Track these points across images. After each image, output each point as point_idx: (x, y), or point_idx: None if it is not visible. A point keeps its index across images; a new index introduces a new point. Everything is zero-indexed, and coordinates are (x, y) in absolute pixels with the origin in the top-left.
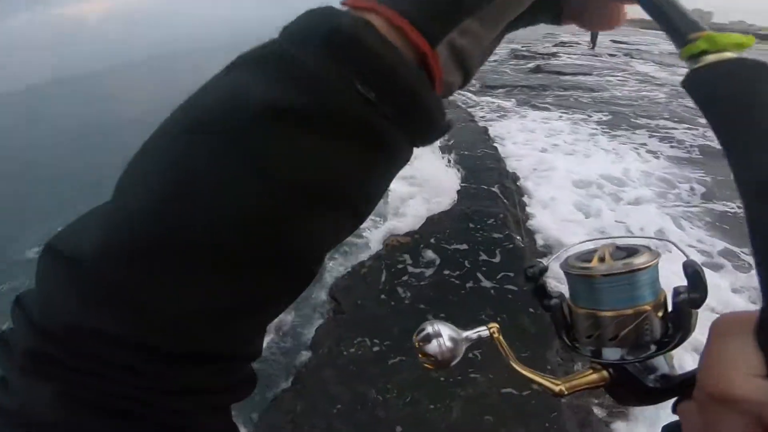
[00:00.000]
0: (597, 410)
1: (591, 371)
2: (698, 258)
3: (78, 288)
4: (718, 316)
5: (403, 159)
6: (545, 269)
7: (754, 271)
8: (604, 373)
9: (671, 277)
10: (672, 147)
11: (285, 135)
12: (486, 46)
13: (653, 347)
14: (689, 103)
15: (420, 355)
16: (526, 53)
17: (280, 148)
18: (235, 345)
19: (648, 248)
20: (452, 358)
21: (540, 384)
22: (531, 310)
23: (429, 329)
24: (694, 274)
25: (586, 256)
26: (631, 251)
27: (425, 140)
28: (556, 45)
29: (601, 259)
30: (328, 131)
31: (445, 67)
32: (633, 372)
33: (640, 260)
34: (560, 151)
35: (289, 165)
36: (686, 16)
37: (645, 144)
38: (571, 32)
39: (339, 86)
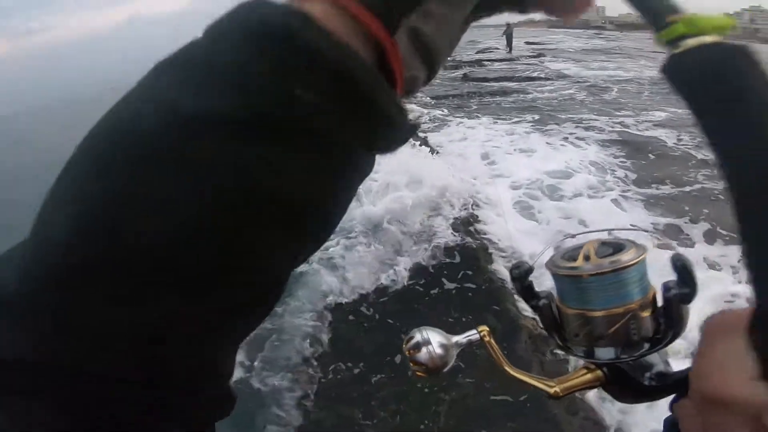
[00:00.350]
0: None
1: (585, 371)
2: (649, 238)
3: (7, 321)
4: (710, 315)
5: (363, 170)
6: (531, 269)
7: (699, 245)
8: (599, 372)
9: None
10: (600, 135)
11: (220, 147)
12: (452, 35)
13: (646, 345)
14: (606, 96)
15: (411, 364)
16: (451, 62)
17: (214, 160)
18: (194, 366)
19: (633, 243)
20: (444, 365)
21: (535, 386)
22: (495, 307)
23: (418, 337)
24: (682, 268)
25: (572, 254)
26: (617, 247)
27: (387, 147)
28: (478, 52)
29: (587, 257)
30: (267, 141)
31: (407, 58)
32: (627, 370)
33: (627, 257)
34: (501, 152)
35: (226, 177)
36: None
37: (574, 133)
38: (491, 38)
39: (272, 91)
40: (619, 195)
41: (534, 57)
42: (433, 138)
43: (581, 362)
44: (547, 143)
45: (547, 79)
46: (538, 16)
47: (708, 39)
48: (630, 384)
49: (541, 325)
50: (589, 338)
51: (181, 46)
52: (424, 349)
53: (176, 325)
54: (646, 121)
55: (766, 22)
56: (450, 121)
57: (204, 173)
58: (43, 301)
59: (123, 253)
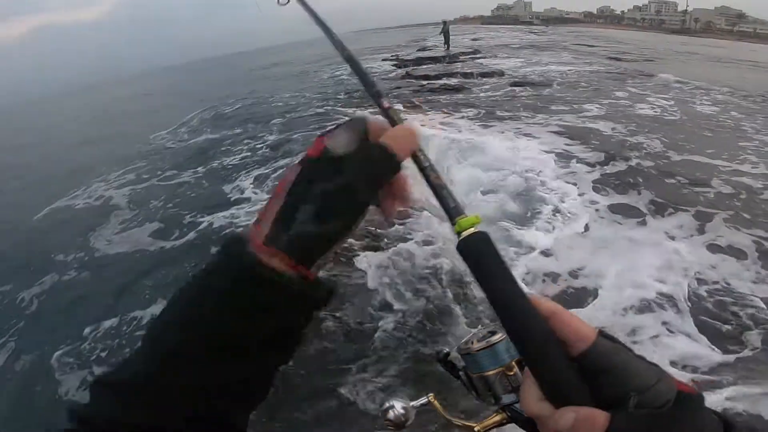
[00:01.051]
0: None
1: (495, 413)
2: (604, 214)
3: (121, 400)
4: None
5: (310, 321)
6: (448, 353)
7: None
8: (504, 414)
9: None
10: (547, 130)
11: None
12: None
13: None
14: (539, 92)
15: (384, 422)
16: (393, 60)
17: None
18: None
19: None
20: (406, 421)
21: (464, 426)
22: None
23: (386, 404)
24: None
25: (467, 340)
26: (493, 332)
27: (317, 310)
28: (418, 50)
29: (474, 341)
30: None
31: (314, 273)
32: (521, 410)
33: (495, 337)
34: (457, 147)
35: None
36: (453, 203)
37: (519, 128)
38: (430, 35)
39: (264, 312)
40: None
41: (470, 53)
42: None
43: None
44: (505, 132)
45: (484, 75)
46: (472, 13)
47: (468, 232)
48: (524, 421)
49: (466, 388)
50: (493, 391)
51: (196, 276)
52: (390, 412)
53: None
54: (583, 116)
55: (670, 14)
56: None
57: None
58: (157, 382)
59: (188, 363)
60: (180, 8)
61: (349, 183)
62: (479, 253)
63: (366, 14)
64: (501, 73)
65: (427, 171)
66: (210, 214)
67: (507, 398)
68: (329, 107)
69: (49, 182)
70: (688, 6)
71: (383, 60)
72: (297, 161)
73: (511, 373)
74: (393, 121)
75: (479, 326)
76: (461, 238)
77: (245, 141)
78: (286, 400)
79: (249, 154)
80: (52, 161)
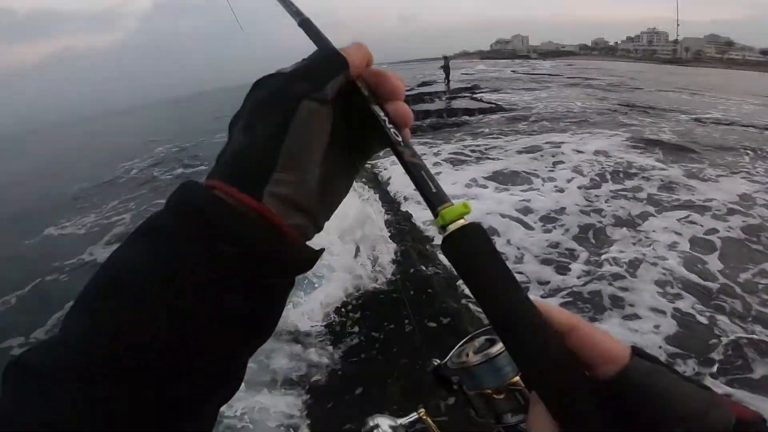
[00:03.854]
0: None
1: None
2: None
3: (44, 393)
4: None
5: (279, 289)
6: (441, 366)
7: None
8: None
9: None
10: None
11: (180, 289)
12: (319, 187)
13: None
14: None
15: None
16: None
17: (176, 299)
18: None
19: None
20: None
21: None
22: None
23: (370, 423)
24: None
25: (462, 351)
26: (492, 342)
27: (294, 270)
28: (419, 85)
29: (469, 353)
30: (208, 281)
31: (281, 212)
32: (524, 430)
33: (495, 349)
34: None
35: (187, 309)
36: (435, 188)
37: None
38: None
39: (199, 249)
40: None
41: (469, 89)
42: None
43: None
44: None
45: (482, 111)
46: (471, 49)
47: (456, 225)
48: None
49: (462, 403)
50: (496, 410)
51: (149, 217)
52: None
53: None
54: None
55: (661, 44)
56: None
57: (162, 307)
58: (67, 378)
59: (116, 353)
60: (193, 37)
61: (279, 83)
62: (471, 252)
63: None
64: (500, 109)
65: (400, 149)
66: None
67: (512, 418)
68: None
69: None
70: (678, 35)
71: None
72: None
73: (516, 387)
74: None
75: (473, 332)
76: (447, 233)
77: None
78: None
79: None
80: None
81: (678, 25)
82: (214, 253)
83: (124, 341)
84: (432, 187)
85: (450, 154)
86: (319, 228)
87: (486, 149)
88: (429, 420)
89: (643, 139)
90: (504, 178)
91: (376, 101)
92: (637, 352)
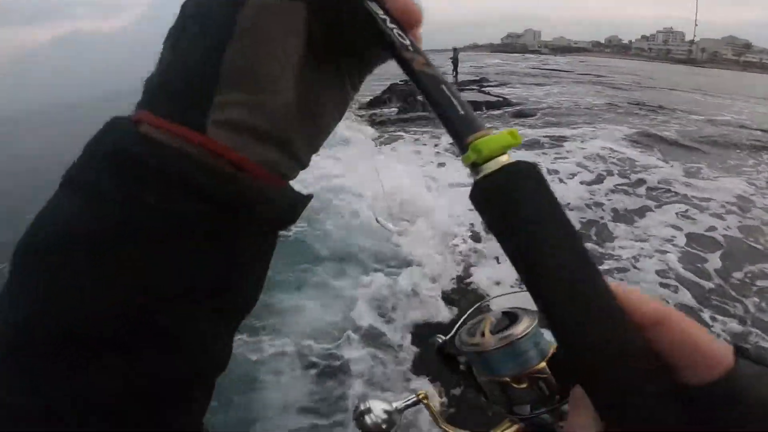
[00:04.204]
0: None
1: (509, 423)
2: None
3: None
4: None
5: (249, 251)
6: (445, 343)
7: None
8: (520, 425)
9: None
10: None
11: (117, 253)
12: (297, 107)
13: (558, 397)
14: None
15: (360, 431)
16: (403, 86)
17: (111, 265)
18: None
19: (526, 311)
20: (389, 428)
21: None
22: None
23: (361, 407)
24: None
25: (474, 329)
26: (513, 317)
27: (271, 221)
28: None
29: (490, 332)
30: (144, 241)
31: (238, 145)
32: (544, 422)
33: (520, 329)
34: None
35: (129, 275)
36: (462, 110)
37: None
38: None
39: (124, 202)
40: None
41: (477, 82)
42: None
43: None
44: None
45: (490, 105)
46: (481, 41)
47: (498, 163)
48: None
49: (472, 388)
50: (506, 398)
51: (74, 162)
52: (367, 417)
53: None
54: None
55: (676, 44)
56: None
57: (97, 274)
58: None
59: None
60: None
61: None
62: (520, 199)
63: None
64: (509, 104)
65: (405, 54)
66: None
67: (532, 411)
68: None
69: None
70: (695, 36)
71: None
72: None
73: (540, 376)
74: None
75: (487, 301)
76: (482, 174)
77: None
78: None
79: None
80: None
81: (696, 25)
82: (146, 203)
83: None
84: (458, 107)
85: (451, 143)
86: (302, 164)
87: None
88: (429, 403)
89: (649, 136)
90: None
91: (391, 20)
92: (741, 351)
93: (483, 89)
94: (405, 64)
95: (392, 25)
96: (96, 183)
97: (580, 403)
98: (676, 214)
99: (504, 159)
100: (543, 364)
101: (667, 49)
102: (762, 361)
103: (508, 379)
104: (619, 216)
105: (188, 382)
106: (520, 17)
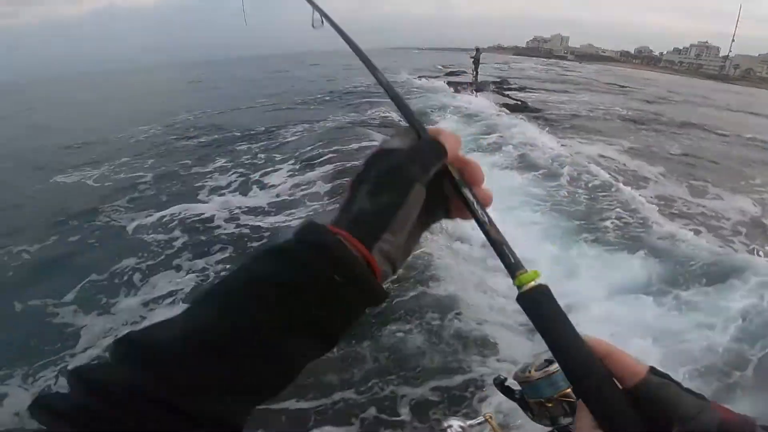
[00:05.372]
0: None
1: None
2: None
3: (152, 368)
4: None
5: (359, 312)
6: (505, 379)
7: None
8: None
9: None
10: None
11: (295, 299)
12: (404, 245)
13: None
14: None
15: None
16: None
17: (287, 302)
18: (233, 414)
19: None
20: None
21: None
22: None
23: (444, 424)
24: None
25: (525, 368)
26: (550, 361)
27: (371, 304)
28: (447, 74)
29: (531, 370)
30: (315, 296)
31: (379, 262)
32: (570, 430)
33: (552, 367)
34: None
35: (289, 311)
36: (513, 258)
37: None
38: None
39: (319, 272)
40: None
41: (497, 83)
42: None
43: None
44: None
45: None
46: (506, 43)
47: (529, 286)
48: None
49: (522, 409)
50: (550, 414)
51: (277, 243)
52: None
53: (240, 385)
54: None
55: (710, 59)
56: None
57: (279, 311)
58: (189, 354)
59: (227, 339)
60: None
61: (399, 162)
62: (540, 305)
63: (395, 33)
64: (525, 107)
65: (486, 227)
66: None
67: (563, 420)
68: None
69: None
70: (731, 51)
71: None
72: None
73: (567, 398)
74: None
75: (533, 356)
76: (522, 291)
77: None
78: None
79: None
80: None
81: (733, 41)
82: (327, 275)
83: (236, 325)
84: (511, 258)
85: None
86: (395, 274)
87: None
88: (494, 423)
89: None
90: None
91: (465, 185)
92: (653, 370)
93: (503, 92)
94: (487, 234)
95: (478, 207)
96: (298, 254)
97: (582, 409)
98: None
99: (532, 284)
100: (569, 389)
101: (698, 63)
102: (665, 376)
103: (545, 399)
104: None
105: (273, 389)
106: (548, 21)
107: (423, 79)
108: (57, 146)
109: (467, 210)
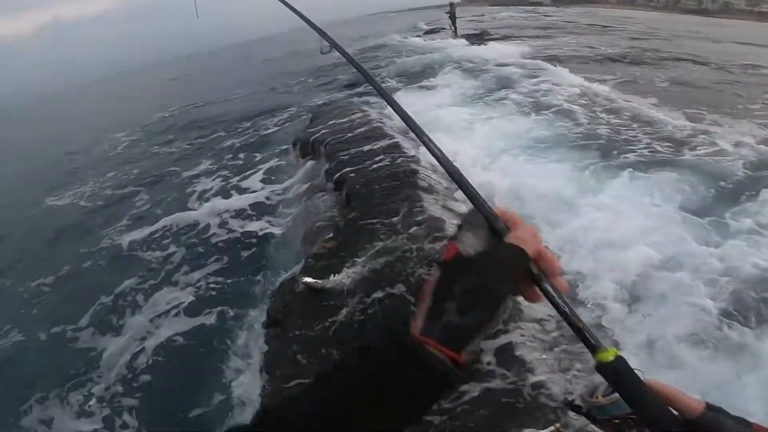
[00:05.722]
0: None
1: None
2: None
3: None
4: None
5: (437, 399)
6: (573, 400)
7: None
8: None
9: None
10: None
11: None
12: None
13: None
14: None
15: None
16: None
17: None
18: None
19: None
20: None
21: None
22: None
23: None
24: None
25: (590, 392)
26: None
27: (449, 388)
28: (425, 33)
29: (599, 396)
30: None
31: (463, 361)
32: None
33: (616, 396)
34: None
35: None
36: (593, 340)
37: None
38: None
39: (401, 371)
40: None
41: (478, 35)
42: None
43: None
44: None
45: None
46: None
47: (607, 359)
48: None
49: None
50: (615, 429)
51: (368, 344)
52: None
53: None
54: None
55: None
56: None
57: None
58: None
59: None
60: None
61: (486, 281)
62: (618, 375)
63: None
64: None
65: (568, 317)
66: None
67: None
68: None
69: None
70: None
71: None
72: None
73: (632, 416)
74: (512, 223)
75: (600, 385)
76: (601, 363)
77: None
78: None
79: None
80: None
81: None
82: (417, 377)
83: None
84: (591, 338)
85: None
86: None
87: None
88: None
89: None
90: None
91: (543, 279)
92: (709, 406)
93: (486, 44)
94: (567, 320)
95: (558, 298)
96: (380, 352)
97: None
98: None
99: (611, 357)
100: (629, 410)
101: None
102: (719, 410)
103: (611, 417)
104: None
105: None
106: None
107: (416, 38)
108: (43, 166)
109: (546, 300)
